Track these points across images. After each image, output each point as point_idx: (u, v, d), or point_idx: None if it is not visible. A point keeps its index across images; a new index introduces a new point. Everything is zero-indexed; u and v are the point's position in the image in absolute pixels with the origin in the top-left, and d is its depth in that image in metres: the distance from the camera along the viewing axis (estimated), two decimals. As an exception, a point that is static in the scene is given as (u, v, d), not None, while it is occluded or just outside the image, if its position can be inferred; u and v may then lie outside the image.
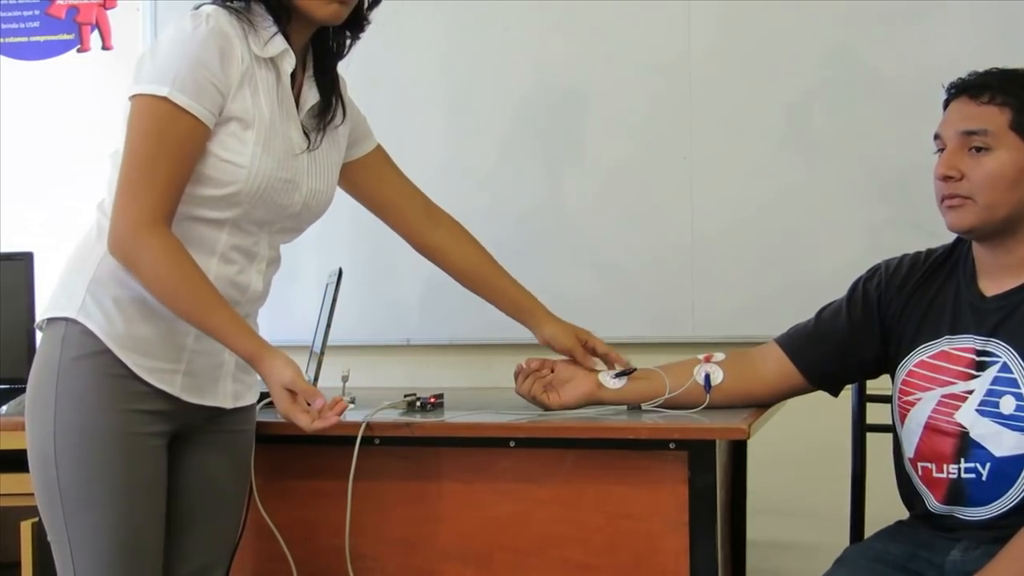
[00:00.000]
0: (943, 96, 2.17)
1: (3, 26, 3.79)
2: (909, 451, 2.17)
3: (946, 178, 2.08)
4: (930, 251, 2.25)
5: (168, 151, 1.93)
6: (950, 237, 2.22)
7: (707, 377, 2.28)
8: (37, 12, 3.78)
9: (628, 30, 3.30)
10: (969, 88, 2.12)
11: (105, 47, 3.74)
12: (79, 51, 3.76)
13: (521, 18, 3.37)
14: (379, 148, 2.35)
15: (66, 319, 1.99)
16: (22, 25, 3.79)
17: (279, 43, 2.03)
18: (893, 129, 3.11)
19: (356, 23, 2.14)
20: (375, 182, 2.35)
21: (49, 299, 2.06)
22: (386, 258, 3.30)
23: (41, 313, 2.05)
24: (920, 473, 2.15)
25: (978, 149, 2.07)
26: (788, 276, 3.17)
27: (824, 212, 3.18)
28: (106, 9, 3.74)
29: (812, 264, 3.16)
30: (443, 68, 3.42)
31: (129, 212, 1.92)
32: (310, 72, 2.14)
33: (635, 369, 2.30)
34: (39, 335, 2.06)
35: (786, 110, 3.21)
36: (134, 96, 1.95)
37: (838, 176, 3.17)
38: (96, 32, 3.74)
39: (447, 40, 3.43)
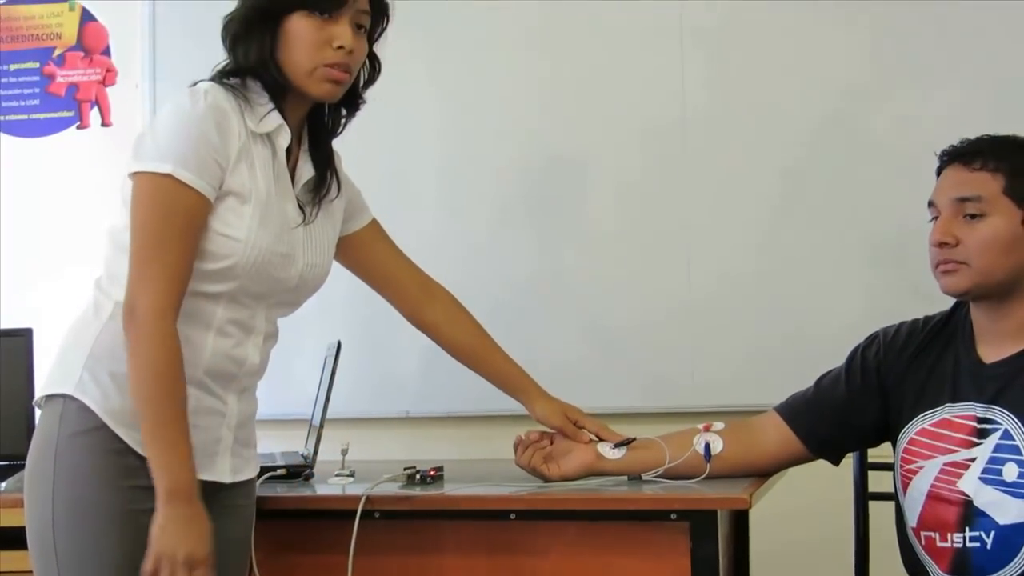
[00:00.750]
0: (936, 163, 2.18)
1: (3, 104, 3.82)
2: (912, 520, 2.16)
3: (941, 245, 2.09)
4: (928, 318, 2.25)
5: (176, 229, 1.94)
6: (946, 301, 2.22)
7: (707, 446, 2.27)
8: (37, 90, 3.81)
9: (622, 96, 3.33)
10: (961, 155, 2.13)
11: (104, 124, 3.77)
12: (79, 128, 3.79)
13: (514, 86, 3.40)
14: (375, 222, 2.36)
15: (63, 395, 1.99)
16: (22, 103, 3.82)
17: (274, 119, 2.05)
18: (888, 194, 3.13)
19: (351, 101, 2.17)
20: (371, 256, 2.36)
21: (47, 376, 2.05)
22: (384, 331, 3.28)
23: (40, 390, 2.05)
24: (923, 543, 2.14)
25: (972, 216, 2.08)
26: (786, 342, 3.17)
27: (820, 277, 3.18)
28: (105, 87, 3.77)
29: (810, 330, 3.16)
30: (437, 136, 3.44)
31: (147, 295, 1.91)
32: (305, 147, 2.15)
33: (634, 439, 2.30)
34: (38, 412, 2.06)
35: (781, 175, 3.23)
36: (136, 174, 1.96)
37: (834, 241, 3.18)
38: (96, 109, 3.77)
39: (441, 109, 3.45)
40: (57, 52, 3.80)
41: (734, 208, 3.25)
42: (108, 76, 3.77)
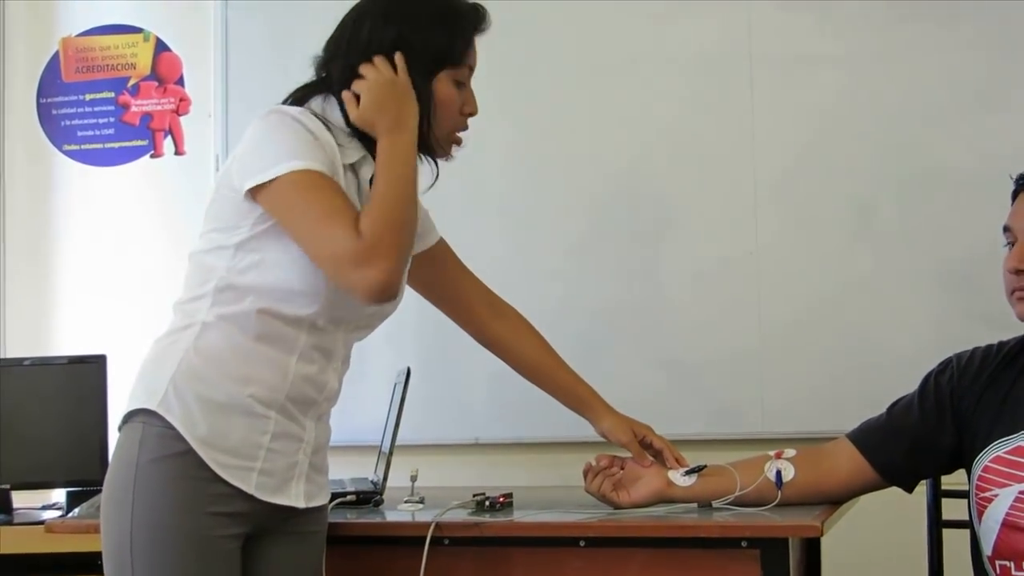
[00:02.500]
0: (1011, 188, 2.16)
1: (79, 133, 3.89)
2: (987, 549, 2.13)
3: (1018, 272, 2.07)
4: (1002, 343, 2.22)
5: (337, 191, 1.94)
6: (1017, 328, 2.19)
7: (778, 474, 2.25)
8: (112, 119, 3.88)
9: (694, 128, 3.33)
10: (1038, 180, 2.11)
11: (178, 152, 3.82)
12: (153, 157, 3.84)
13: (591, 119, 3.41)
14: (442, 241, 2.37)
15: (145, 412, 1.98)
16: (98, 132, 3.88)
17: (358, 149, 2.05)
18: (959, 219, 3.10)
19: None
20: (437, 274, 2.37)
21: (129, 396, 2.04)
22: (453, 358, 3.31)
23: (121, 413, 2.05)
24: (999, 572, 2.10)
25: (1049, 241, 2.06)
26: (856, 368, 3.15)
27: (892, 304, 3.16)
28: (179, 116, 3.83)
29: (880, 356, 3.13)
30: (515, 168, 3.46)
31: (345, 234, 1.89)
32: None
33: (705, 466, 2.28)
34: (113, 436, 2.07)
35: (852, 202, 3.21)
36: (262, 184, 1.92)
37: (905, 268, 3.16)
38: (169, 138, 3.83)
39: (517, 140, 3.47)
40: (132, 82, 3.87)
41: (805, 236, 3.23)
42: (182, 105, 3.83)
